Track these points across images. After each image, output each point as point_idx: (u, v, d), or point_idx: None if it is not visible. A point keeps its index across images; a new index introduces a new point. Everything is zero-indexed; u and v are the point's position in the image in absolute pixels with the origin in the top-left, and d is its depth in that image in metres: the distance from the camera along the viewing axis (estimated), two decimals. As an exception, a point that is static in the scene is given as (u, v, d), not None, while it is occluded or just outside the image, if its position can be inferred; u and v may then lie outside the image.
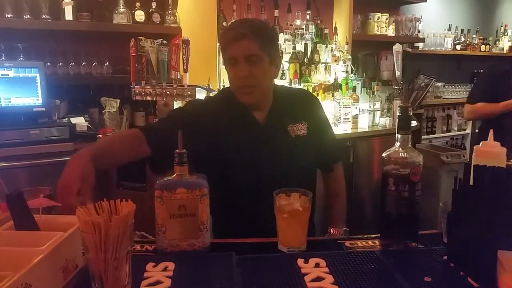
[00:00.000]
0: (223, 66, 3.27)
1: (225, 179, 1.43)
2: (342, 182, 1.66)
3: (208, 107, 1.53)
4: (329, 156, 1.63)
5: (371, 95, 3.45)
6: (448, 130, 4.98)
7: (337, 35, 3.57)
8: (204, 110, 1.50)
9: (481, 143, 1.12)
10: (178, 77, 2.77)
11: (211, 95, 2.99)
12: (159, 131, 1.37)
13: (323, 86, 3.26)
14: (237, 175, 1.43)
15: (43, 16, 2.81)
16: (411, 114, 1.11)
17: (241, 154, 1.41)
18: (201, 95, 2.83)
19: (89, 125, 2.73)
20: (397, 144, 1.11)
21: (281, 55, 2.26)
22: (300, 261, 1.02)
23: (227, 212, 1.47)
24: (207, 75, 2.97)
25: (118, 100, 2.97)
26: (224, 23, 3.12)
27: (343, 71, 3.45)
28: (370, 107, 3.36)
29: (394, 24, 3.99)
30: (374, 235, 1.21)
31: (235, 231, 1.38)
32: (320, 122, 1.58)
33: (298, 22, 3.41)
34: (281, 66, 2.45)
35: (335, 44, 3.51)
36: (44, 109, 2.66)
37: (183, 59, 2.71)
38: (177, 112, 1.53)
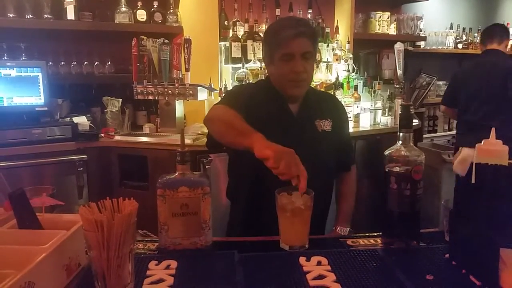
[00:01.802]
0: (225, 65, 3.29)
1: (252, 163, 1.47)
2: (354, 184, 1.71)
3: (253, 92, 1.62)
4: (347, 155, 1.69)
5: (372, 94, 3.45)
6: (449, 129, 4.96)
7: (339, 34, 3.56)
8: (251, 94, 1.60)
9: (483, 141, 1.12)
10: (180, 76, 2.78)
11: (213, 94, 2.99)
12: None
13: (324, 85, 3.26)
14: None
15: (45, 16, 2.81)
16: (413, 112, 1.11)
17: (273, 140, 1.45)
18: (202, 94, 2.84)
19: (91, 124, 2.74)
20: (399, 142, 1.11)
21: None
22: (302, 259, 1.02)
23: (256, 200, 1.51)
24: (208, 74, 2.97)
25: (120, 100, 2.98)
26: (226, 22, 3.12)
27: (345, 70, 3.45)
28: (371, 106, 3.35)
29: (395, 22, 3.99)
30: (376, 233, 1.22)
31: (260, 221, 1.45)
32: (342, 122, 1.65)
33: (299, 21, 3.40)
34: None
35: (337, 43, 3.51)
36: (46, 108, 2.68)
37: (184, 58, 2.71)
38: (238, 92, 1.66)
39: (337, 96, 3.17)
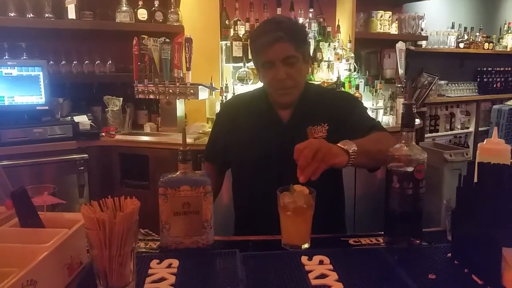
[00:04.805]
0: (226, 65, 3.30)
1: (244, 173, 1.52)
2: (379, 136, 1.35)
3: (237, 104, 1.62)
4: (357, 131, 1.36)
5: (374, 93, 3.45)
6: (451, 129, 4.96)
7: (340, 33, 3.56)
8: (234, 107, 1.60)
9: (485, 141, 1.12)
10: (181, 75, 2.78)
11: (214, 93, 3.00)
12: (217, 149, 1.60)
13: (326, 85, 3.26)
14: (254, 171, 1.47)
15: (46, 15, 2.82)
16: (415, 111, 1.10)
17: (259, 150, 1.45)
18: (204, 93, 2.84)
19: (92, 124, 2.74)
20: (401, 141, 1.11)
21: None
22: (304, 259, 1.02)
23: (245, 208, 1.54)
24: (209, 73, 2.97)
25: (121, 99, 2.98)
26: (227, 22, 3.12)
27: (346, 69, 3.44)
28: (373, 105, 3.35)
29: (397, 22, 3.98)
30: (378, 233, 1.21)
31: (247, 227, 1.49)
32: (344, 120, 1.44)
33: (300, 20, 3.40)
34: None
35: (338, 42, 3.50)
36: (47, 107, 2.68)
37: (185, 57, 2.71)
38: (217, 121, 1.68)
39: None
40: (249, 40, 1.54)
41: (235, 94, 2.98)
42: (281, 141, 1.44)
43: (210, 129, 2.42)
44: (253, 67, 3.10)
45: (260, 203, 1.40)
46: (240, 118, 1.53)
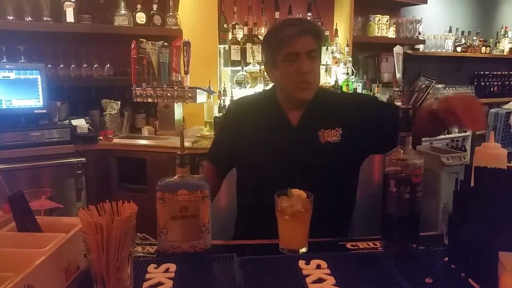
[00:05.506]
0: (224, 68, 3.30)
1: (251, 176, 1.51)
2: None
3: (241, 108, 1.60)
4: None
5: (371, 97, 3.45)
6: (448, 132, 4.96)
7: (338, 37, 3.57)
8: (241, 109, 1.59)
9: (482, 145, 1.13)
10: (179, 79, 2.78)
11: (212, 97, 3.00)
12: (220, 152, 1.60)
13: (323, 88, 3.27)
14: (262, 174, 1.46)
15: (45, 18, 2.82)
16: (412, 115, 1.11)
17: (268, 154, 1.44)
18: (201, 97, 2.84)
19: (90, 127, 2.73)
20: (399, 145, 1.11)
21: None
22: (301, 263, 1.02)
23: (251, 209, 1.53)
24: (208, 77, 2.98)
25: (119, 102, 2.98)
26: (225, 25, 3.12)
27: (344, 73, 3.46)
28: (370, 109, 3.36)
29: (394, 26, 4.00)
30: (375, 237, 1.21)
31: (250, 228, 1.48)
32: (363, 122, 1.42)
33: (298, 24, 3.41)
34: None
35: (336, 46, 3.51)
36: (45, 111, 2.67)
37: (184, 61, 2.71)
38: (222, 124, 1.69)
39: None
40: (267, 35, 1.50)
41: (233, 98, 2.99)
42: (290, 144, 1.43)
43: (208, 133, 2.44)
44: (251, 70, 3.12)
45: (267, 205, 1.39)
46: (246, 122, 1.51)
